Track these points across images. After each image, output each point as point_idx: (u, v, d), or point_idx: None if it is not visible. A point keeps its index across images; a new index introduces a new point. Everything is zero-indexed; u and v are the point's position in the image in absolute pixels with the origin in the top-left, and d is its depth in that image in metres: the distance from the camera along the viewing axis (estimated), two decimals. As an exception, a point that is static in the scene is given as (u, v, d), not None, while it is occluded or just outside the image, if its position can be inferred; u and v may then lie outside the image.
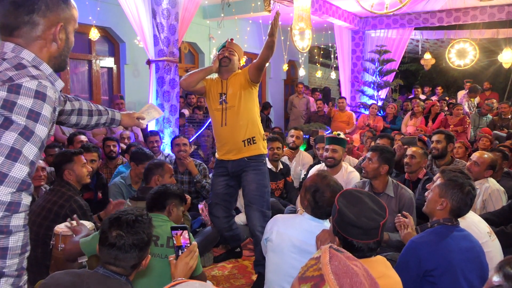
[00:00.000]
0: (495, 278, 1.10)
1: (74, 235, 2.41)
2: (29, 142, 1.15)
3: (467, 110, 8.93)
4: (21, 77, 1.18)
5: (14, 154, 1.12)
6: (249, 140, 3.29)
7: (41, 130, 1.18)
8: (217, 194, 3.48)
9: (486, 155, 3.47)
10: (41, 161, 3.27)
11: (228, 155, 3.35)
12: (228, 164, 3.38)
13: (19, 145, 1.13)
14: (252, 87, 3.30)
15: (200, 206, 3.99)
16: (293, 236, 2.20)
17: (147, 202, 2.47)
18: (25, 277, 1.20)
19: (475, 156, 3.51)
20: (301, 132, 5.27)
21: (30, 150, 1.15)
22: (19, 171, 1.13)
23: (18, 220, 1.14)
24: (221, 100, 3.30)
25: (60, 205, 2.74)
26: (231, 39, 3.49)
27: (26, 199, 1.17)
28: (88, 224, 2.55)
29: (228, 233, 3.65)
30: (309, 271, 1.13)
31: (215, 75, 3.47)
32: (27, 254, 1.19)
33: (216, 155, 3.51)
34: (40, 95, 1.18)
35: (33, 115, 1.16)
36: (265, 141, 3.49)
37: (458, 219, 2.33)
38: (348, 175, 3.88)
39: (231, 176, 3.42)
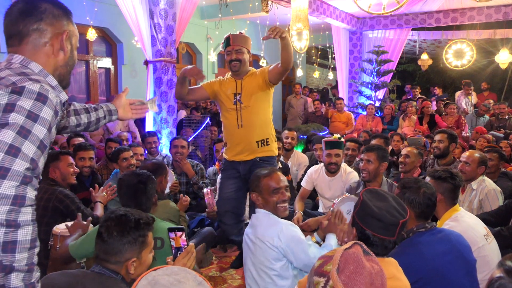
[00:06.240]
0: (497, 275, 1.11)
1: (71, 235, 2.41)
2: (27, 141, 1.18)
3: (464, 106, 8.93)
4: (24, 81, 1.22)
5: (13, 151, 1.15)
6: (262, 141, 3.17)
7: (39, 130, 1.20)
8: (227, 200, 3.30)
9: (474, 153, 3.48)
10: None
11: (240, 156, 3.20)
12: (240, 166, 3.23)
13: (18, 142, 1.16)
14: (270, 88, 3.18)
15: (206, 190, 3.86)
16: (250, 233, 2.38)
17: (139, 198, 2.46)
18: (37, 274, 1.20)
19: (464, 156, 3.51)
20: (295, 133, 5.26)
21: (29, 148, 1.18)
22: (21, 165, 1.15)
23: (26, 214, 1.16)
24: (235, 100, 3.14)
25: (46, 199, 2.86)
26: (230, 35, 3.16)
27: (31, 193, 1.18)
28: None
29: (238, 238, 3.57)
30: (328, 252, 1.30)
31: (216, 76, 3.38)
32: (36, 250, 1.20)
33: (225, 155, 3.33)
34: (41, 97, 1.22)
35: (32, 115, 1.19)
36: (277, 142, 3.38)
37: (453, 223, 2.34)
38: (347, 175, 3.87)
39: (241, 179, 3.26)
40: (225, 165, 3.34)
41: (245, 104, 3.12)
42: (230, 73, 3.24)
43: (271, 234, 2.23)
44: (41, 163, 1.23)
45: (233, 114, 3.15)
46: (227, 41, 3.13)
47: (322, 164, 4.07)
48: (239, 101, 3.12)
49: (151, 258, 1.76)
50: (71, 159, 3.18)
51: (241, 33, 3.20)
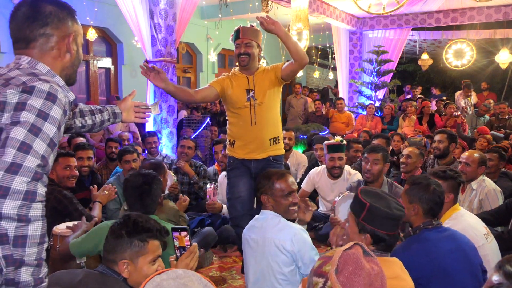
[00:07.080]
0: (495, 277, 1.11)
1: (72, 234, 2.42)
2: (38, 138, 1.21)
3: (463, 105, 8.94)
4: (34, 81, 1.26)
5: (25, 148, 1.18)
6: (275, 139, 3.07)
7: (49, 129, 1.24)
8: (242, 201, 3.12)
9: (474, 154, 3.49)
10: None
11: (252, 154, 3.06)
12: (251, 164, 3.09)
13: (29, 140, 1.19)
14: (280, 85, 3.08)
15: (210, 185, 3.80)
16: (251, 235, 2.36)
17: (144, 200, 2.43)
18: (46, 269, 1.23)
19: (463, 157, 3.51)
20: (292, 133, 5.25)
21: (40, 145, 1.22)
22: (32, 162, 1.19)
23: (36, 209, 1.19)
24: (248, 96, 2.98)
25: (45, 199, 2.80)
26: (240, 27, 2.98)
27: (41, 189, 1.22)
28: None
29: None
30: (328, 253, 1.28)
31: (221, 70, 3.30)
32: (45, 245, 1.23)
33: (233, 154, 3.14)
34: (51, 97, 1.25)
35: (42, 114, 1.23)
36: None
37: (453, 222, 2.35)
38: (352, 177, 3.86)
39: (252, 177, 3.11)
40: (235, 164, 3.15)
41: (259, 101, 2.98)
42: (238, 68, 3.11)
43: (283, 238, 2.19)
44: (50, 160, 1.27)
45: (247, 111, 2.99)
46: (237, 34, 2.99)
47: (323, 166, 4.05)
48: (252, 98, 2.97)
49: (152, 270, 1.69)
50: (70, 161, 3.13)
51: (252, 26, 3.05)
